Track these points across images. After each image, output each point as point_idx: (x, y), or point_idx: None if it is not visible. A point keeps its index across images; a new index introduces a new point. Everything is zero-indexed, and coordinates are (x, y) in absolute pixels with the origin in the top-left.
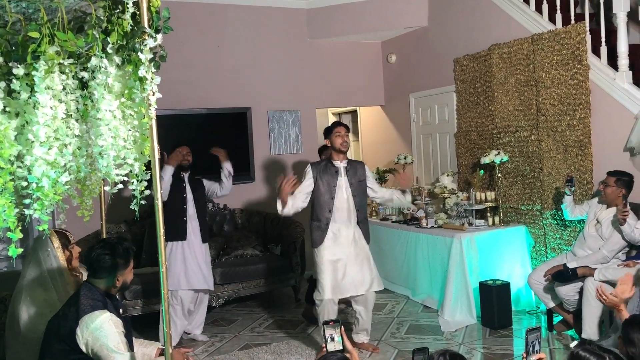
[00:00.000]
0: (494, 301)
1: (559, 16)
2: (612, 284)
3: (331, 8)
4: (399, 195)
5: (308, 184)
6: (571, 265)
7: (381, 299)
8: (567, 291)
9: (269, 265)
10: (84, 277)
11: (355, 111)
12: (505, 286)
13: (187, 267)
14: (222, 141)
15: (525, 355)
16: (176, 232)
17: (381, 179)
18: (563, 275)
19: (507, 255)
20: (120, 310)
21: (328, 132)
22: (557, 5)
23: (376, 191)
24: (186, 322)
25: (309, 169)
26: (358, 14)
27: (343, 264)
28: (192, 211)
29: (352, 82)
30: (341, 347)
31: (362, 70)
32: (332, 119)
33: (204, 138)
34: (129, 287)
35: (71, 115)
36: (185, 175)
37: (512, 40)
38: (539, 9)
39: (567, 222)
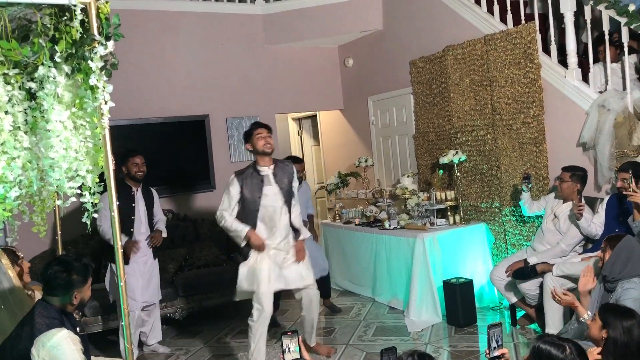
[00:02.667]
0: (458, 299)
1: (509, 17)
2: (570, 278)
3: (286, 13)
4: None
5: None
6: (531, 260)
7: (347, 302)
8: (529, 286)
9: (233, 274)
10: (37, 295)
11: (315, 116)
12: (469, 284)
13: (140, 283)
14: (180, 150)
15: (488, 351)
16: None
17: (343, 182)
18: (523, 272)
19: (469, 253)
20: (78, 328)
21: (248, 135)
22: (508, 6)
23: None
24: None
25: (233, 179)
26: (313, 19)
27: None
28: (144, 229)
29: (311, 86)
30: (298, 357)
31: (320, 74)
32: (292, 124)
33: (161, 147)
34: (87, 304)
35: (19, 127)
36: (137, 190)
37: (466, 41)
38: (490, 10)
39: (525, 218)
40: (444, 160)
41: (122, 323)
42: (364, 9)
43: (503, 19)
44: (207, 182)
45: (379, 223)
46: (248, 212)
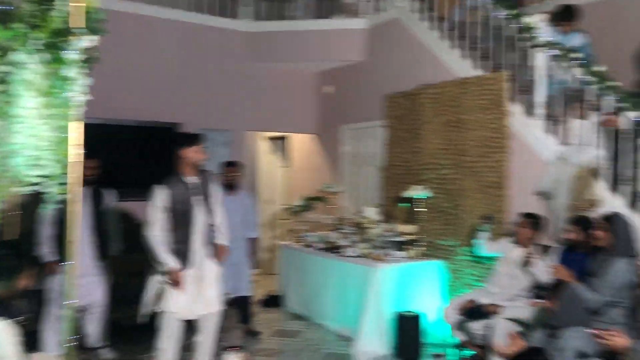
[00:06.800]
0: (408, 333)
1: (484, 63)
2: (519, 322)
3: (271, 34)
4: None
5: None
6: (482, 300)
7: (296, 326)
8: (477, 326)
9: None
10: None
11: (287, 137)
12: (419, 318)
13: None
14: (148, 155)
15: None
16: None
17: (308, 206)
18: (473, 312)
19: (423, 288)
20: (15, 318)
21: (190, 142)
22: (488, 53)
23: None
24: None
25: (159, 189)
26: (297, 42)
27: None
28: (87, 232)
29: (286, 108)
30: None
31: (297, 97)
32: (262, 143)
33: (129, 151)
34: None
35: None
36: (87, 190)
37: (441, 82)
38: (466, 55)
39: (481, 259)
40: (409, 194)
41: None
42: (347, 39)
43: (477, 65)
44: None
45: (339, 250)
46: (181, 226)
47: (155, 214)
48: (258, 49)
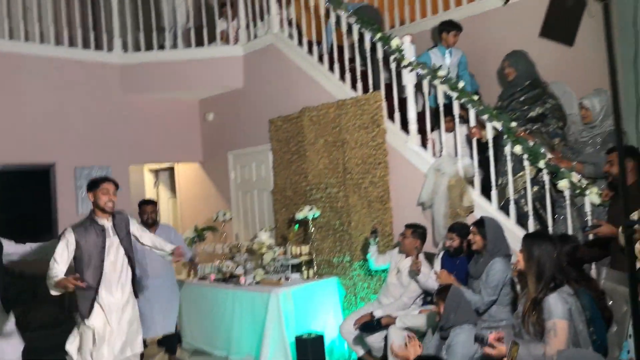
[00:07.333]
0: (309, 354)
1: (359, 84)
2: (412, 330)
3: (146, 65)
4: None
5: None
6: (377, 313)
7: None
8: (374, 339)
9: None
10: None
11: (173, 168)
12: (320, 338)
13: None
14: (20, 200)
15: None
16: None
17: (200, 237)
18: (369, 325)
19: (322, 307)
20: None
21: (94, 186)
22: (358, 75)
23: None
24: None
25: (68, 232)
26: (174, 72)
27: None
28: None
29: (169, 138)
30: None
31: (179, 127)
32: (147, 176)
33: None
34: None
35: None
36: None
37: (321, 105)
38: (342, 78)
39: (373, 272)
40: (299, 215)
41: None
42: (225, 67)
43: (354, 86)
44: (49, 237)
45: (235, 278)
46: (92, 268)
47: (57, 255)
48: (135, 80)
